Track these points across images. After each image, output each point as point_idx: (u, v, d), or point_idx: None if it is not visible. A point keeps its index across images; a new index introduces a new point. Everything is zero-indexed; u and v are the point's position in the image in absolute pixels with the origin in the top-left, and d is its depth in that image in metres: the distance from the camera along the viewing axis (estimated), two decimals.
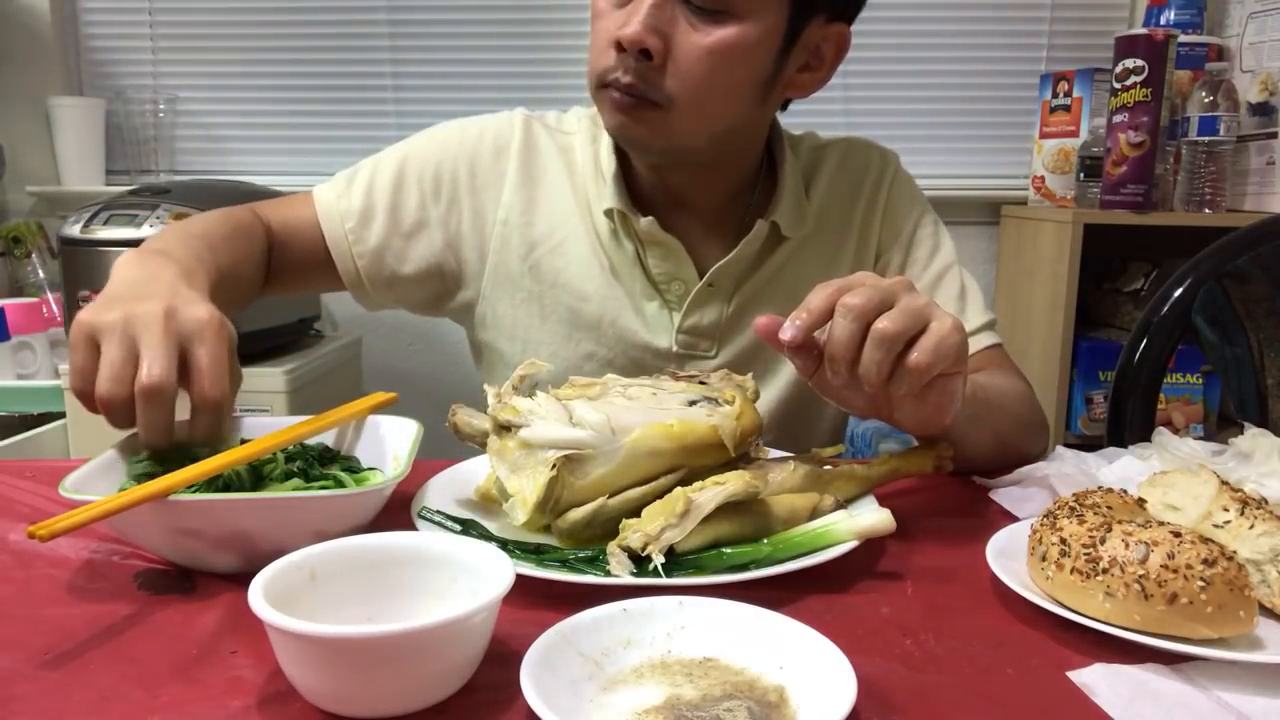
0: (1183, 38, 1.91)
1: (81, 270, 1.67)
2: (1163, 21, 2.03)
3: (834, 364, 0.64)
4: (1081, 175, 1.97)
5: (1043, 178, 2.09)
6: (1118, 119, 1.84)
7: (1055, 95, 2.07)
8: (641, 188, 0.97)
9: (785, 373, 0.99)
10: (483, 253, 0.99)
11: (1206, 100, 1.87)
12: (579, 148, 1.00)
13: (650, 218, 0.93)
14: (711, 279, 0.95)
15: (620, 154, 0.96)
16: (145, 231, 1.65)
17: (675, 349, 0.97)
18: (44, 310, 2.00)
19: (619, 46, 0.82)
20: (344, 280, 0.99)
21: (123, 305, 0.64)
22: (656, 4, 0.81)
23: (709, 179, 0.96)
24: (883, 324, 0.62)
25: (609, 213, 0.95)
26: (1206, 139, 1.87)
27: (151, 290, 0.67)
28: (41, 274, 2.14)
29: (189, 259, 0.76)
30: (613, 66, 0.84)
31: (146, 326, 0.63)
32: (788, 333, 0.65)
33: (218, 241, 0.85)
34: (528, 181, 0.99)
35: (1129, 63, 1.82)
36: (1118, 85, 1.84)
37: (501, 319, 1.00)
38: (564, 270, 0.97)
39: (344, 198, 0.98)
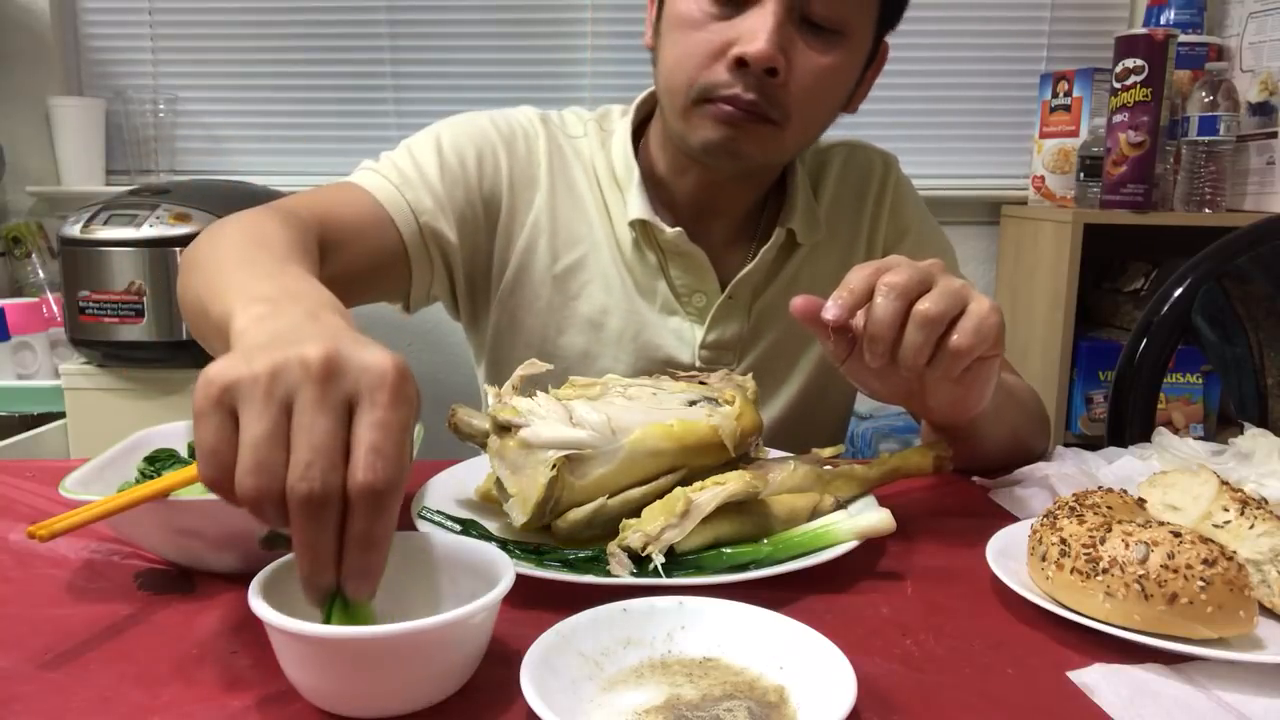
0: (1183, 38, 1.91)
1: (81, 270, 1.67)
2: (1163, 21, 2.03)
3: (875, 344, 0.63)
4: (1081, 175, 1.97)
5: (1043, 178, 2.09)
6: (1118, 119, 1.84)
7: (1055, 95, 2.07)
8: (663, 195, 0.95)
9: (793, 383, 0.99)
10: (506, 256, 0.95)
11: (1206, 100, 1.87)
12: (589, 152, 0.98)
13: (678, 229, 0.91)
14: (731, 291, 0.94)
15: (638, 161, 0.94)
16: (145, 232, 1.65)
17: (698, 364, 0.95)
18: (44, 310, 2.00)
19: (739, 62, 0.80)
20: (409, 250, 0.89)
21: (267, 352, 0.44)
22: (781, 22, 0.79)
23: (745, 186, 0.94)
24: (924, 305, 0.62)
25: (634, 224, 0.93)
26: (1206, 139, 1.86)
27: (304, 328, 0.48)
28: (41, 274, 2.14)
29: (314, 277, 0.60)
30: (725, 82, 0.81)
31: (303, 384, 0.43)
32: (831, 312, 0.64)
33: (302, 255, 0.69)
34: (555, 186, 0.96)
35: (1129, 63, 1.82)
36: (1118, 85, 1.84)
37: (518, 326, 0.97)
38: (588, 284, 0.95)
39: (384, 172, 0.90)
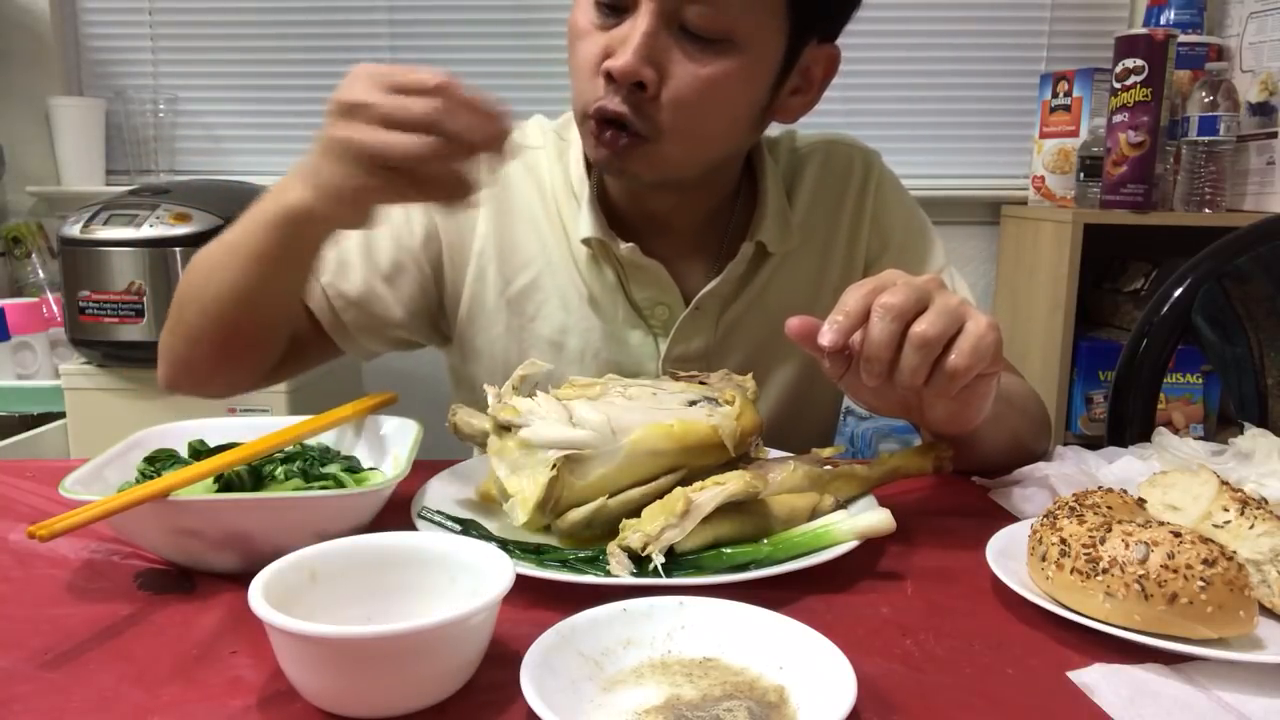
0: (1183, 38, 1.91)
1: (81, 270, 1.67)
2: (1163, 21, 2.03)
3: (871, 365, 0.63)
4: (1081, 175, 1.97)
5: (1043, 178, 2.09)
6: (1118, 119, 1.84)
7: (1055, 95, 2.07)
8: (618, 209, 0.92)
9: (768, 396, 0.96)
10: (458, 286, 0.94)
11: (1206, 100, 1.87)
12: (546, 165, 0.95)
13: (631, 244, 0.88)
14: (698, 303, 0.91)
15: (591, 173, 0.91)
16: (145, 232, 1.65)
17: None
18: (44, 310, 2.00)
19: (609, 76, 0.77)
20: (332, 336, 0.92)
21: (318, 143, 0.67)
22: (650, 33, 0.75)
23: (690, 201, 0.91)
24: (921, 327, 0.62)
25: (587, 241, 0.90)
26: (1206, 139, 1.87)
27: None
28: (41, 274, 2.15)
29: None
30: (600, 95, 0.78)
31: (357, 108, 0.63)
32: (827, 337, 0.63)
33: None
34: (500, 209, 0.93)
35: (1129, 63, 1.82)
36: (1118, 85, 1.84)
37: (480, 353, 0.95)
38: (544, 304, 0.93)
39: None
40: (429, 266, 0.93)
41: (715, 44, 0.77)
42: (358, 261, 0.90)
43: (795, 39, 0.82)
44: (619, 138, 0.79)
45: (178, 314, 0.84)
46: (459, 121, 0.61)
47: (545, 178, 0.95)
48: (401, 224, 0.92)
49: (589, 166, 0.91)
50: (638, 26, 0.76)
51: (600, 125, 0.80)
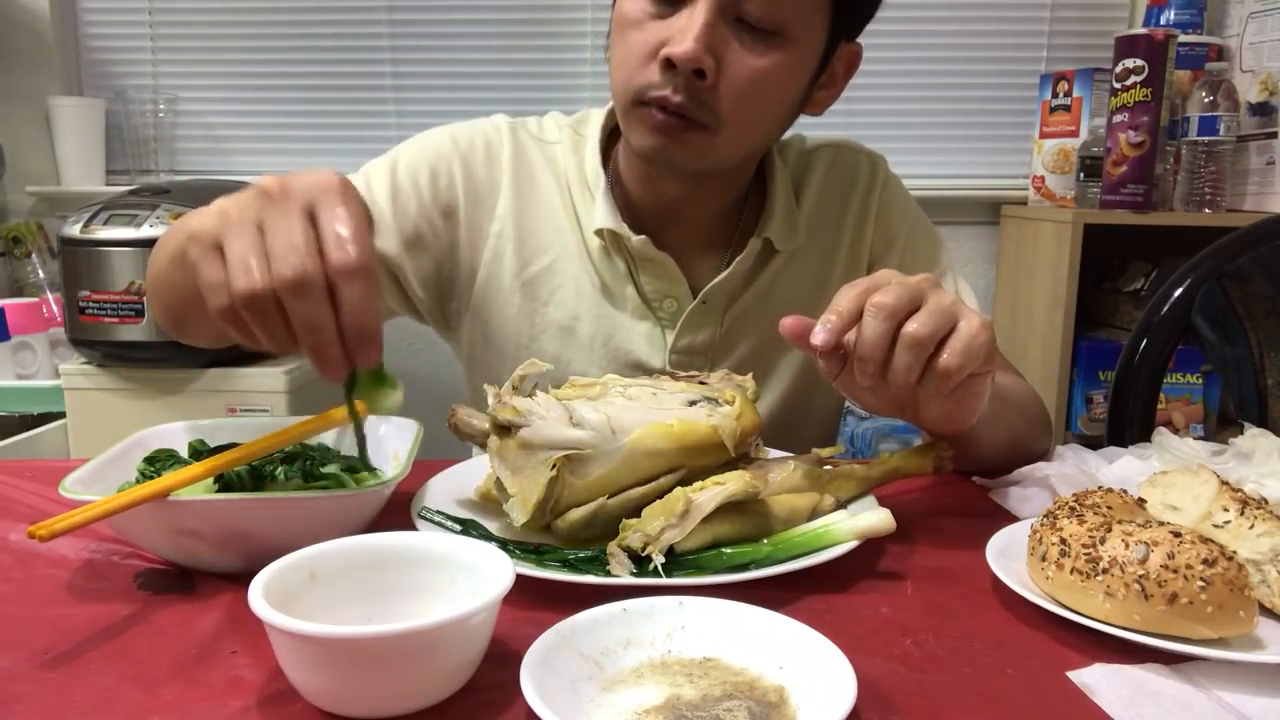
0: (1183, 38, 1.91)
1: (82, 270, 1.67)
2: (1163, 21, 2.03)
3: (864, 365, 0.63)
4: (1081, 175, 1.97)
5: (1043, 178, 2.09)
6: (1118, 119, 1.84)
7: (1055, 95, 2.07)
8: (630, 202, 0.94)
9: (772, 389, 0.98)
10: (474, 265, 0.96)
11: (1206, 100, 1.87)
12: (562, 158, 0.97)
13: (643, 237, 0.90)
14: (705, 297, 0.93)
15: (607, 167, 0.94)
16: (145, 232, 1.65)
17: (669, 369, 0.94)
18: (44, 310, 2.00)
19: (667, 64, 0.79)
20: None
21: (229, 199, 0.55)
22: (710, 22, 0.78)
23: (708, 192, 0.93)
24: (912, 326, 0.62)
25: (600, 232, 0.92)
26: (1206, 139, 1.86)
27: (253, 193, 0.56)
28: (41, 274, 2.15)
29: None
30: (657, 83, 0.80)
31: (264, 206, 0.53)
32: (819, 336, 0.64)
33: None
34: (520, 194, 0.96)
35: (1129, 63, 1.82)
36: (1118, 85, 1.84)
37: (492, 334, 0.97)
38: (558, 289, 0.95)
39: None
40: (445, 241, 0.96)
41: (769, 36, 0.80)
42: (388, 224, 0.93)
43: (833, 35, 0.85)
44: (676, 123, 0.81)
45: (149, 285, 0.84)
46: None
47: (562, 169, 0.98)
48: (427, 194, 0.95)
49: (605, 160, 0.94)
50: (697, 17, 0.78)
51: (663, 113, 0.81)
